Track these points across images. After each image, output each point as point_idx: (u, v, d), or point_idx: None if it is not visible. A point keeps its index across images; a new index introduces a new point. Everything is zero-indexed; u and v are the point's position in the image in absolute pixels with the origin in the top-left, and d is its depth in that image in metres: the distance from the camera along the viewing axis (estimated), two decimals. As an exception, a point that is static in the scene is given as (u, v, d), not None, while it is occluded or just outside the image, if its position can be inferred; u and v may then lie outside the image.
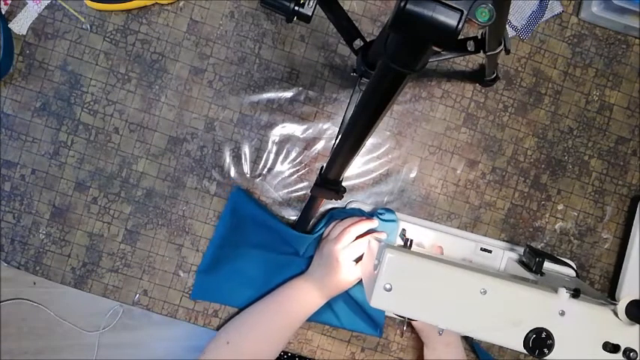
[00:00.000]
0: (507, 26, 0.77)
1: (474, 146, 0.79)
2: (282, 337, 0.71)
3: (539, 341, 0.55)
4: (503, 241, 0.80)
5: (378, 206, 0.78)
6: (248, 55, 0.77)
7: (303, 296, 0.71)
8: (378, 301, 0.55)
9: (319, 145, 0.78)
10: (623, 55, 0.80)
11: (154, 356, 1.65)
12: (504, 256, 0.76)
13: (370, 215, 0.74)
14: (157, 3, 0.74)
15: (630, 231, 0.79)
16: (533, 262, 0.68)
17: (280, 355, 0.89)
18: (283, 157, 0.78)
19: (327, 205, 0.78)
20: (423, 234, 0.76)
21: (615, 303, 0.57)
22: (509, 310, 0.56)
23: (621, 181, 0.81)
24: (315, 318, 0.74)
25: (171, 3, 0.75)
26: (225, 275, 0.75)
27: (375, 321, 0.76)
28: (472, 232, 0.79)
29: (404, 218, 0.77)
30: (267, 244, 0.75)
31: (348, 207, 0.77)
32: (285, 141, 0.78)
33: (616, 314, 0.56)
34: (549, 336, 0.55)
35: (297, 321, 0.71)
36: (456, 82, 0.78)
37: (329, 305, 0.74)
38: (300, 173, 0.78)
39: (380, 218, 0.73)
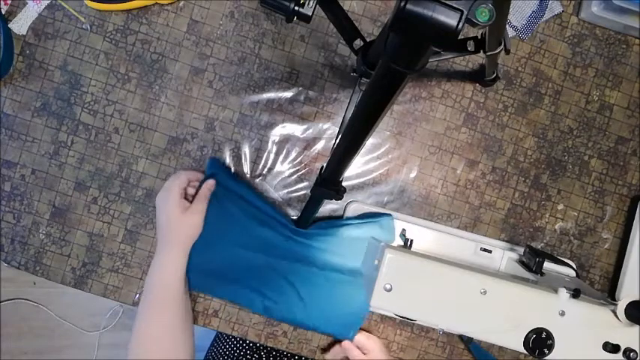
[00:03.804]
0: (507, 26, 0.77)
1: (474, 146, 0.79)
2: (179, 321, 0.68)
3: (539, 341, 0.55)
4: (503, 241, 0.80)
5: (378, 206, 0.78)
6: (248, 55, 0.77)
7: (162, 271, 0.68)
8: (378, 301, 0.55)
9: (319, 145, 0.78)
10: (623, 55, 0.80)
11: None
12: (504, 256, 0.76)
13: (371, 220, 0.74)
14: (157, 3, 0.74)
15: (630, 231, 0.79)
16: (533, 262, 0.68)
17: (281, 355, 0.89)
18: (283, 157, 0.78)
19: (327, 205, 0.78)
20: (423, 234, 0.76)
21: (615, 303, 0.57)
22: (509, 311, 0.56)
23: (621, 181, 0.81)
24: (290, 319, 0.74)
25: (171, 3, 0.75)
26: (210, 265, 0.73)
27: (350, 324, 0.75)
28: (472, 232, 0.79)
29: (404, 218, 0.77)
30: (246, 224, 0.73)
31: (347, 207, 0.77)
32: (285, 141, 0.78)
33: (616, 315, 0.56)
34: (549, 336, 0.55)
35: (177, 294, 0.68)
36: (456, 82, 0.78)
37: (304, 306, 0.73)
38: (300, 173, 0.78)
39: (377, 222, 0.73)
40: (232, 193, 0.73)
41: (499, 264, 0.76)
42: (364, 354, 0.74)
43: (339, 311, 0.74)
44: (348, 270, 0.74)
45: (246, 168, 0.77)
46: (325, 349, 0.78)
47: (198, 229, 0.70)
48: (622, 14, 0.77)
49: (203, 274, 0.73)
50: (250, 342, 0.91)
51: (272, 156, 0.77)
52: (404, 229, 0.75)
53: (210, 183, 0.71)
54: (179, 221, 0.68)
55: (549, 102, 0.80)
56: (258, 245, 0.74)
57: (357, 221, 0.74)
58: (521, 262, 0.73)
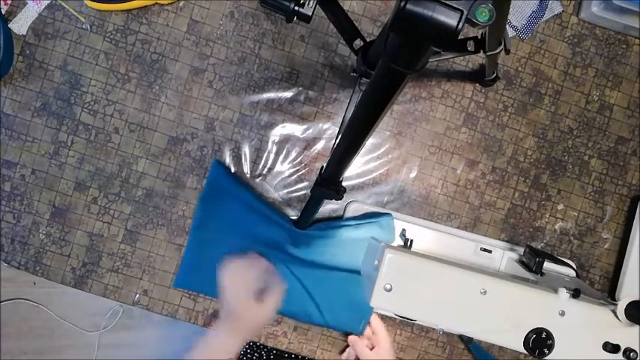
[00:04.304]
0: (507, 26, 0.77)
1: (474, 146, 0.79)
2: None
3: (539, 341, 0.55)
4: (503, 241, 0.80)
5: (378, 206, 0.78)
6: (248, 55, 0.77)
7: (222, 349, 0.68)
8: (378, 301, 0.55)
9: (319, 145, 0.78)
10: (623, 55, 0.80)
11: (154, 356, 1.65)
12: (504, 256, 0.76)
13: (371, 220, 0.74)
14: (157, 3, 0.74)
15: (630, 231, 0.79)
16: (533, 262, 0.68)
17: (281, 355, 0.89)
18: (283, 157, 0.78)
19: (327, 204, 0.78)
20: (423, 234, 0.76)
21: (615, 303, 0.57)
22: (509, 310, 0.56)
23: (621, 181, 0.81)
24: (299, 316, 0.74)
25: (171, 3, 0.75)
26: (207, 263, 0.73)
27: (358, 318, 0.75)
28: (472, 232, 0.79)
29: (404, 218, 0.77)
30: (248, 225, 0.74)
31: (347, 207, 0.77)
32: (285, 141, 0.78)
33: (616, 315, 0.56)
34: (549, 336, 0.55)
35: None
36: (456, 82, 0.78)
37: (313, 302, 0.74)
38: (300, 173, 0.78)
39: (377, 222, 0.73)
40: (234, 195, 0.74)
41: (499, 264, 0.76)
42: (373, 346, 0.74)
43: (347, 306, 0.75)
44: (350, 268, 0.74)
45: (246, 168, 0.77)
46: (342, 351, 0.78)
47: (269, 321, 0.73)
48: (622, 14, 0.77)
49: (209, 275, 0.73)
50: (250, 341, 0.91)
51: (272, 156, 0.77)
52: (404, 229, 0.75)
53: (271, 268, 0.71)
54: (251, 313, 0.68)
55: (549, 102, 0.80)
56: (262, 246, 0.74)
57: (357, 221, 0.74)
58: (521, 262, 0.73)
